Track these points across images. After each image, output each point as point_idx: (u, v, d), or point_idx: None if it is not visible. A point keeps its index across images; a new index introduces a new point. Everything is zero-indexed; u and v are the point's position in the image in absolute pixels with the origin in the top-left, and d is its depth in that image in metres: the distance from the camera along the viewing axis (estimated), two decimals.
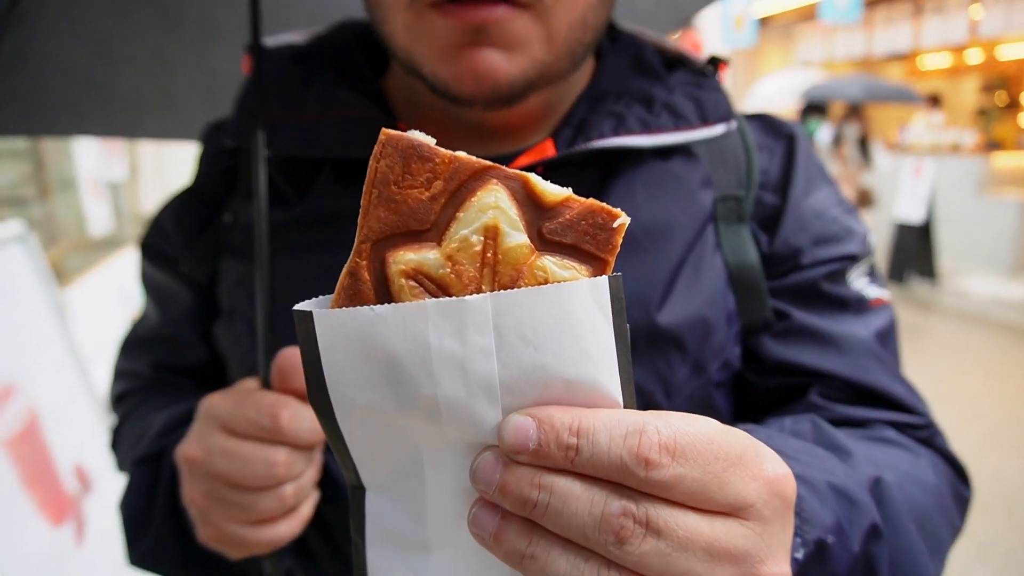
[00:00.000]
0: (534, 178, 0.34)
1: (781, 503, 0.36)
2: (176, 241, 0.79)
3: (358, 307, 0.33)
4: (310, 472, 0.59)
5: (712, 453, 0.33)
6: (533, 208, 0.34)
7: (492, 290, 0.33)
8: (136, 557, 0.70)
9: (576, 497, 0.32)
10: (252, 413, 0.55)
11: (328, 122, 0.67)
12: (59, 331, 2.07)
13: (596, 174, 0.66)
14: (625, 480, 0.32)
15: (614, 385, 0.34)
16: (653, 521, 0.32)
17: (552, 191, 0.34)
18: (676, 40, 0.79)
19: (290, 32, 0.79)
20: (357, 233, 0.34)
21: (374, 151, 0.34)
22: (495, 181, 0.34)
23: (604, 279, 0.33)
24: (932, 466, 0.64)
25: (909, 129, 9.03)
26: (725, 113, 0.69)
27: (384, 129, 0.34)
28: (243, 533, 0.57)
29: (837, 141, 6.73)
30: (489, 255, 0.34)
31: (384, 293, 0.34)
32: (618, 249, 0.34)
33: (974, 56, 10.23)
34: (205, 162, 0.81)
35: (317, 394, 0.35)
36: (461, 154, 0.34)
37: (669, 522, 0.32)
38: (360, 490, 0.38)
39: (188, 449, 0.58)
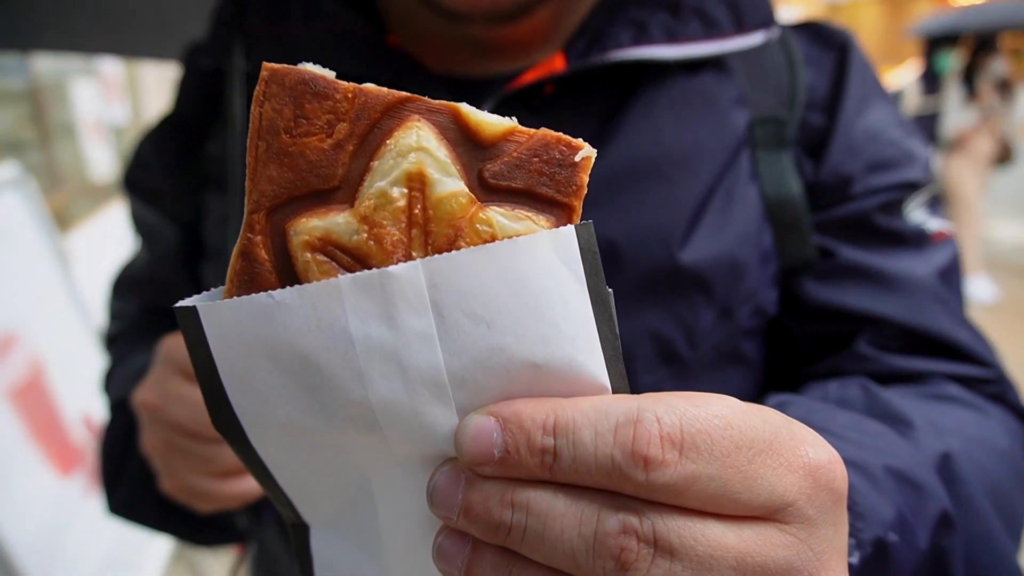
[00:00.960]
0: (465, 107, 0.27)
1: (829, 497, 0.28)
2: (159, 174, 0.73)
3: (254, 295, 0.25)
4: None
5: (732, 441, 0.25)
6: (469, 147, 0.26)
7: (425, 256, 0.26)
8: (114, 505, 0.68)
9: (560, 515, 0.25)
10: None
11: (313, 35, 0.59)
12: (61, 279, 2.01)
13: (613, 93, 0.58)
14: (621, 487, 0.25)
15: (597, 365, 0.26)
16: (663, 537, 0.25)
17: (490, 120, 0.26)
18: None
19: None
20: (245, 202, 0.26)
21: (255, 93, 0.26)
22: (416, 117, 0.26)
23: (570, 229, 0.26)
24: (1005, 427, 0.56)
25: None
26: (766, 18, 0.60)
27: (265, 63, 0.27)
28: (207, 485, 0.54)
29: (969, 82, 5.23)
30: (416, 211, 0.26)
31: (288, 275, 0.26)
32: (584, 190, 0.27)
33: None
34: (185, 87, 0.74)
35: (219, 413, 0.27)
36: (368, 86, 0.27)
37: (684, 536, 0.25)
38: (302, 528, 0.30)
39: (145, 395, 0.54)
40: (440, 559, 0.27)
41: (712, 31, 0.58)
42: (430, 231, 0.26)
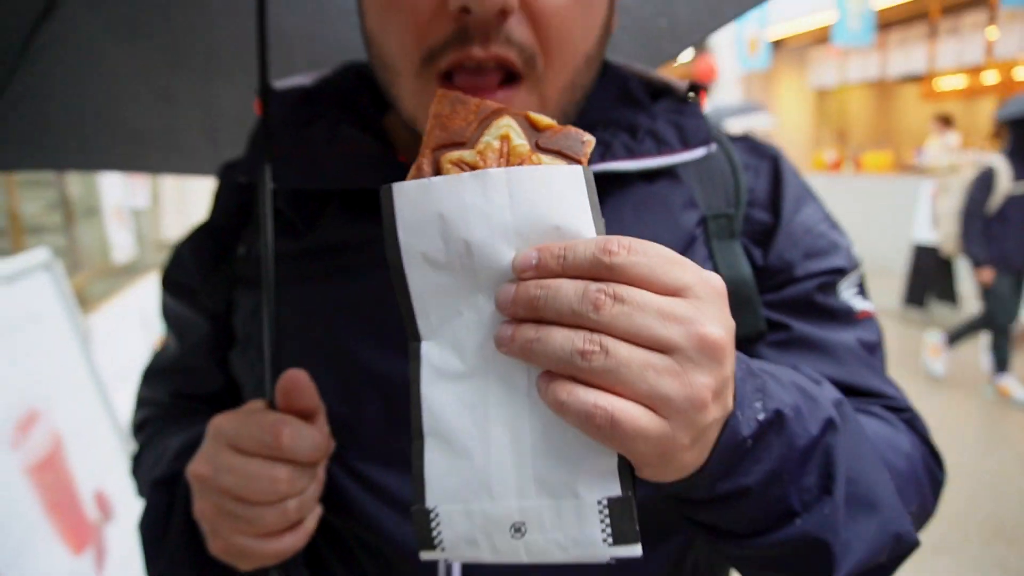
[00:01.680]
0: (532, 112, 0.49)
1: (712, 290, 0.45)
2: (194, 273, 0.82)
3: (420, 179, 0.46)
4: (313, 488, 0.62)
5: (658, 252, 0.43)
6: (532, 130, 0.48)
7: None
8: (154, 574, 0.73)
9: (566, 287, 0.42)
10: (256, 431, 0.58)
11: (334, 157, 0.70)
12: (82, 358, 2.10)
13: None
14: (597, 272, 0.42)
15: (590, 228, 0.45)
16: (618, 293, 0.42)
17: (543, 119, 0.48)
18: (692, 61, 0.81)
19: (298, 75, 0.84)
20: (422, 147, 0.48)
21: (433, 102, 0.49)
22: (507, 114, 0.49)
23: (579, 166, 0.46)
24: (909, 440, 0.68)
25: (925, 151, 9.00)
26: (705, 137, 0.73)
27: (439, 88, 0.50)
28: (250, 545, 0.60)
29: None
30: (504, 151, 0.48)
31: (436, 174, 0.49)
32: (588, 157, 0.47)
33: (990, 77, 10.19)
34: (221, 198, 0.85)
35: (392, 248, 0.47)
36: (488, 100, 0.49)
37: (629, 293, 0.42)
38: (417, 342, 0.48)
39: (197, 466, 0.61)
40: (498, 338, 0.44)
41: (663, 148, 0.70)
42: (510, 161, 0.47)
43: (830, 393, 0.58)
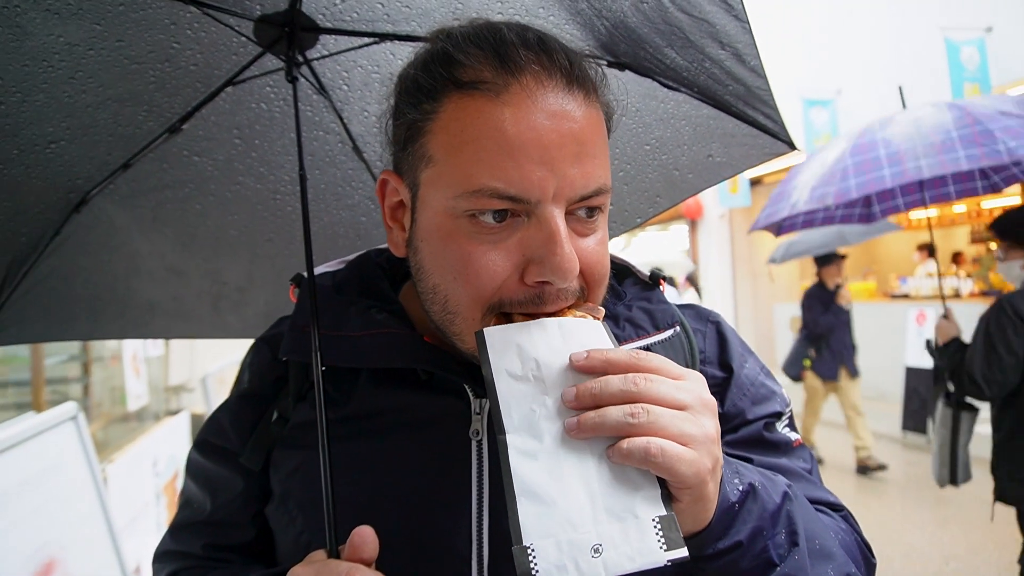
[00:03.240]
0: (576, 311, 0.71)
1: (709, 405, 0.65)
2: (233, 437, 0.93)
3: (502, 324, 0.69)
4: None
5: (663, 361, 0.64)
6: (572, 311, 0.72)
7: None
8: None
9: (613, 379, 0.62)
10: None
11: (368, 338, 0.84)
12: (98, 505, 2.17)
13: None
14: (631, 366, 0.63)
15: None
16: (648, 376, 0.63)
17: (579, 313, 0.71)
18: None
19: (326, 264, 1.00)
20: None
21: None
22: (570, 312, 0.72)
23: (599, 321, 0.71)
24: (846, 527, 0.86)
25: (909, 280, 9.34)
26: (671, 320, 0.90)
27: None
28: None
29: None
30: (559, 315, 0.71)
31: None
32: (602, 317, 0.73)
33: (960, 207, 10.76)
34: (258, 371, 0.97)
35: (486, 368, 0.65)
36: (566, 318, 0.72)
37: (656, 375, 0.63)
38: (503, 435, 0.63)
39: None
40: (569, 428, 0.61)
41: (640, 332, 0.87)
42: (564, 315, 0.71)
43: (782, 478, 0.76)
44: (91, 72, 0.99)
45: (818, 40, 9.04)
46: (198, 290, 1.48)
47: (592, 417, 0.61)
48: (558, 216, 0.69)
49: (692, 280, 7.79)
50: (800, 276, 11.63)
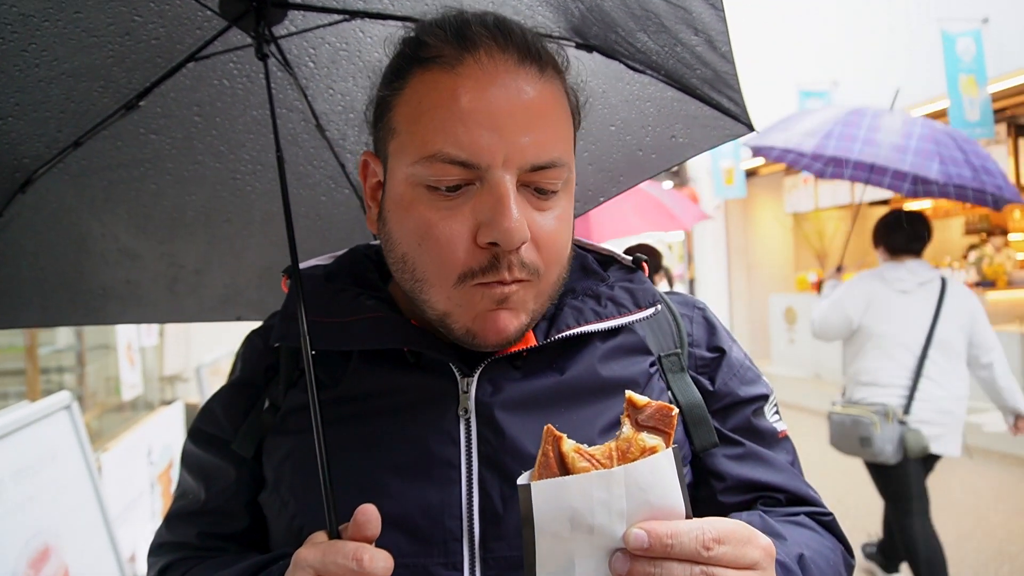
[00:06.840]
0: (635, 396, 0.62)
1: (770, 559, 0.63)
2: (226, 425, 0.95)
3: (555, 478, 0.59)
4: None
5: (737, 537, 0.60)
6: (632, 408, 0.61)
7: (622, 461, 0.60)
8: None
9: (673, 568, 0.58)
10: (340, 559, 0.66)
11: (358, 322, 0.85)
12: (93, 494, 2.19)
13: (565, 351, 0.87)
14: (697, 558, 0.58)
15: (681, 505, 0.60)
16: (712, 574, 0.58)
17: (639, 398, 0.62)
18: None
19: (315, 258, 1.01)
20: (543, 442, 0.60)
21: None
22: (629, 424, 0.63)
23: (671, 450, 0.60)
24: (832, 545, 0.89)
25: None
26: (652, 299, 0.92)
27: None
28: None
29: None
30: (615, 433, 0.62)
31: (561, 463, 0.60)
32: (675, 426, 0.61)
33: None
34: (249, 360, 0.99)
35: (528, 530, 0.59)
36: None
37: (720, 574, 0.59)
38: None
39: None
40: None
41: (622, 311, 0.88)
42: (618, 445, 0.60)
43: (793, 548, 0.79)
44: (45, 45, 0.93)
45: (814, 31, 9.03)
46: (153, 273, 1.42)
47: None
48: (508, 182, 0.72)
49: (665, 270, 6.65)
50: (795, 266, 11.66)
